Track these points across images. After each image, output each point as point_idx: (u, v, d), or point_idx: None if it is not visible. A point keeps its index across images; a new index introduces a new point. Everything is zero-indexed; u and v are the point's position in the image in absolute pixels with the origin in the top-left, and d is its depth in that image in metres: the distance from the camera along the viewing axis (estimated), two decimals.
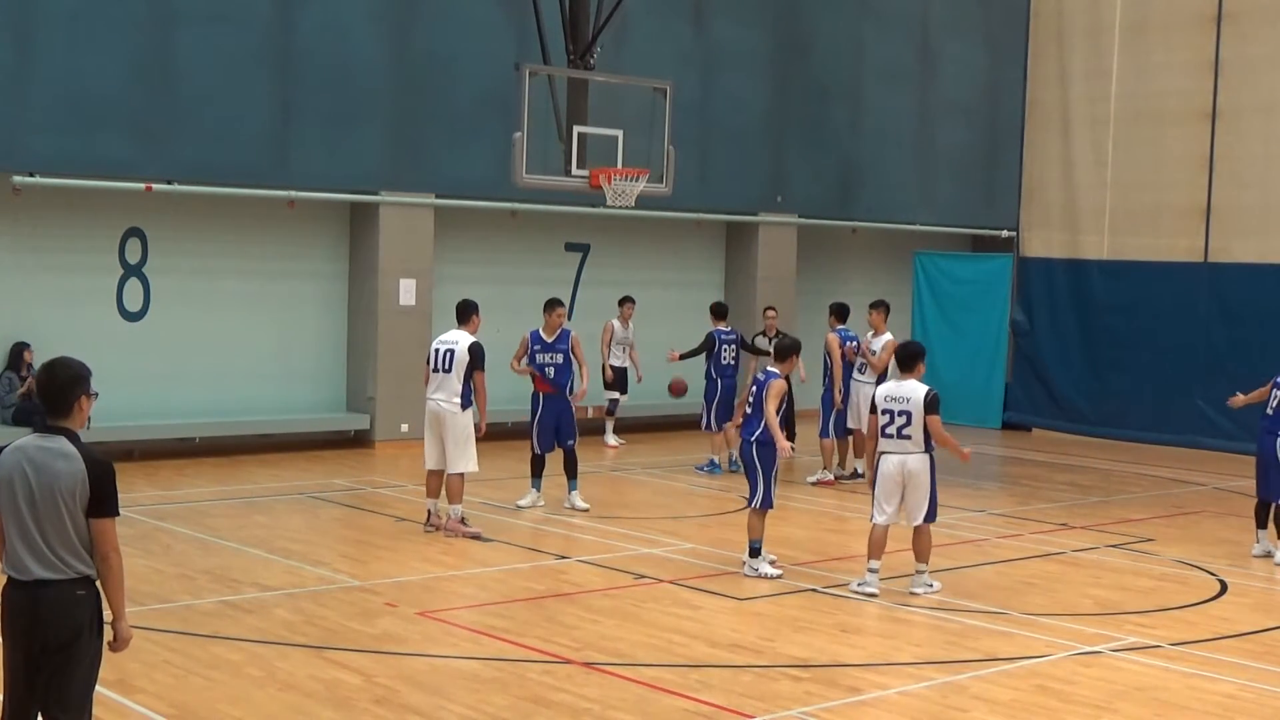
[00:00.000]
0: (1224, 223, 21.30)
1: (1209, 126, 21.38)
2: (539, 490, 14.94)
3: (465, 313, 13.59)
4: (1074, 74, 23.04)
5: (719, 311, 18.68)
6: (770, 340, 20.54)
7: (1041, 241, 23.65)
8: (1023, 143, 23.94)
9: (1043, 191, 23.68)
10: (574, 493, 14.91)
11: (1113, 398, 22.03)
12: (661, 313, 21.09)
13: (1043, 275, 23.47)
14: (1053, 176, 23.46)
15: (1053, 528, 14.87)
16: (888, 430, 11.26)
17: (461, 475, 13.28)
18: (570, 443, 14.85)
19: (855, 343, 17.07)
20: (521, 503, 14.75)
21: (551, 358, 14.96)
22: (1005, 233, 24.81)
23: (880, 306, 17.10)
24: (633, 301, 20.32)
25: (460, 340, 13.26)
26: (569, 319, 22.12)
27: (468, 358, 13.11)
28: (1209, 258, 21.45)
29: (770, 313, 19.87)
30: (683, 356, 18.35)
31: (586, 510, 14.75)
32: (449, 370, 13.16)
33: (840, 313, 17.56)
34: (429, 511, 13.59)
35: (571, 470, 14.90)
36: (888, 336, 16.71)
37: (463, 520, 13.30)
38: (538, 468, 14.89)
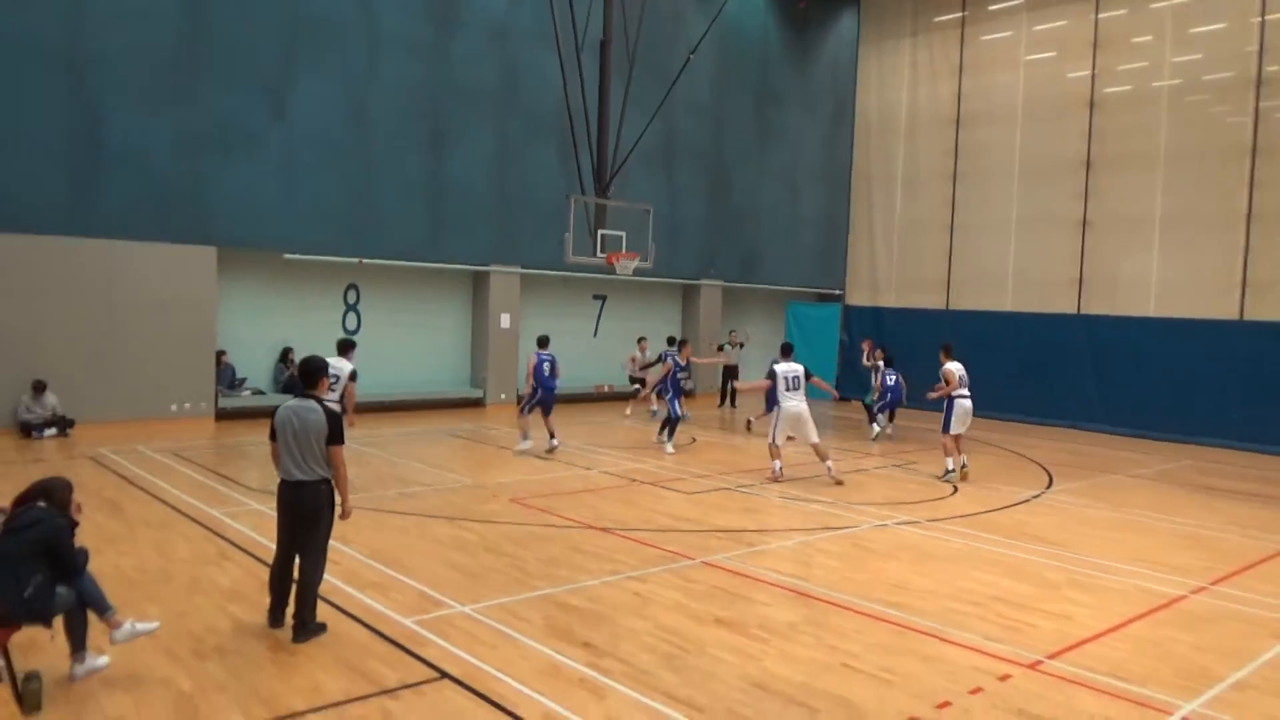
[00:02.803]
0: (956, 286, 21.39)
1: (949, 234, 21.47)
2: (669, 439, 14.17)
3: (787, 350, 12.55)
4: (877, 205, 23.12)
5: (672, 340, 17.78)
6: (735, 351, 20.22)
7: (857, 296, 23.68)
8: (848, 240, 23.99)
9: (857, 266, 23.73)
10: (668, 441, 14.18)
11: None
12: (641, 333, 21.01)
13: (858, 316, 23.46)
14: (864, 258, 23.52)
15: (863, 455, 14.79)
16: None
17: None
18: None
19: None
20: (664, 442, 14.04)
21: (685, 376, 15.39)
22: (838, 291, 24.80)
23: None
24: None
25: (795, 366, 12.17)
26: (594, 338, 22.08)
27: (803, 375, 12.16)
28: (949, 306, 21.58)
29: (734, 334, 20.46)
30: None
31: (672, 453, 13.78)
32: (798, 389, 12.09)
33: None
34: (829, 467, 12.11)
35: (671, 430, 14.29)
36: None
37: (830, 472, 11.94)
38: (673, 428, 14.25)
